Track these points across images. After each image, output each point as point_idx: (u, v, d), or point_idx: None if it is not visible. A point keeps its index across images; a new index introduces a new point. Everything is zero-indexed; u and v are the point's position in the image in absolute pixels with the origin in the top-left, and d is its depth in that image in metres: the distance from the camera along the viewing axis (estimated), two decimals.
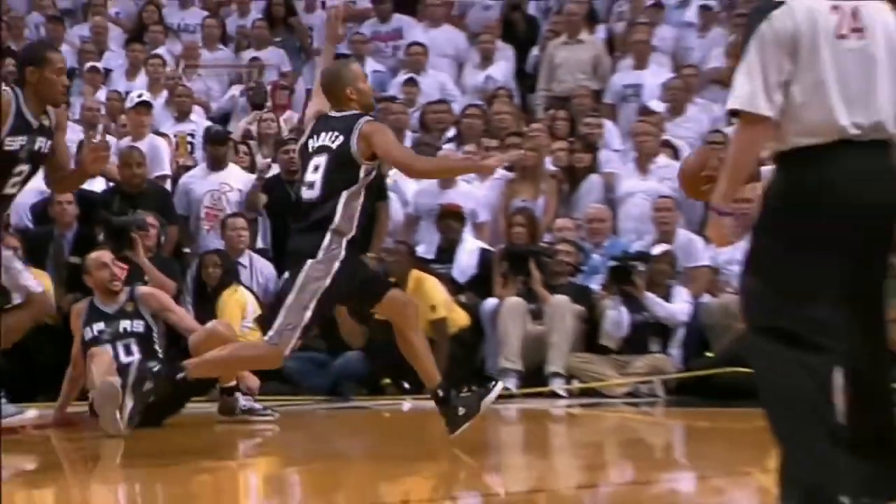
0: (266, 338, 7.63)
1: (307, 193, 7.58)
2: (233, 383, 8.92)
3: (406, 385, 10.93)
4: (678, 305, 10.86)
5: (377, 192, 12.03)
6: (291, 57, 15.55)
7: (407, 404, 10.59)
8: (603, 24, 15.52)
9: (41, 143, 7.86)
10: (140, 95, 13.28)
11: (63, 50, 15.16)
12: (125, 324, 8.94)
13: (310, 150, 7.66)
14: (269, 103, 14.26)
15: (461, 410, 7.57)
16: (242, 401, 8.95)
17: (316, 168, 7.55)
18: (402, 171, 8.84)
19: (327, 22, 9.25)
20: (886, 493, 4.87)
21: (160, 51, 14.89)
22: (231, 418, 8.87)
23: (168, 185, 12.48)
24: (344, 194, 7.42)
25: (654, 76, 13.90)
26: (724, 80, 12.14)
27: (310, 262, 7.33)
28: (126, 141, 12.71)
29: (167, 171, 12.71)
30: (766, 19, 4.80)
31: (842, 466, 4.70)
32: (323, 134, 7.66)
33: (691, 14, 14.91)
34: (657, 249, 11.14)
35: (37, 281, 8.33)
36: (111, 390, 7.84)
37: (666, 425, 9.43)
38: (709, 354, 10.68)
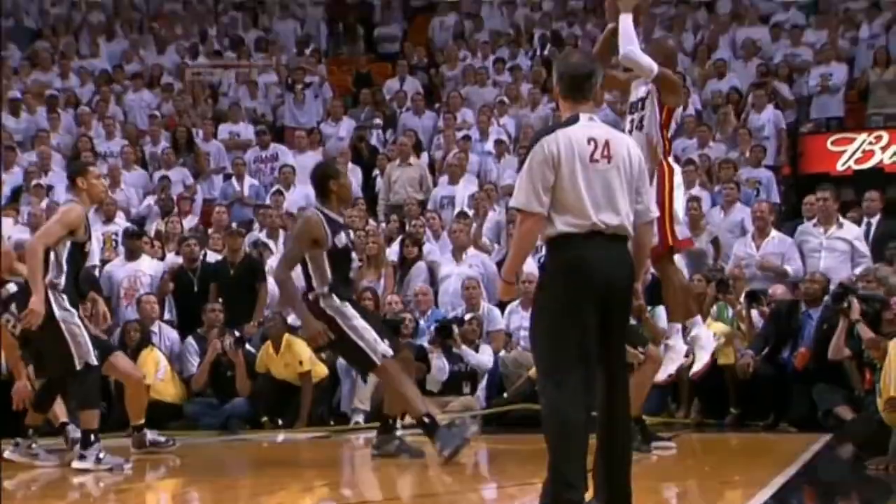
0: None
1: None
2: (141, 421, 8.58)
3: (280, 422, 10.87)
4: (484, 357, 10.93)
5: (258, 274, 12.09)
6: (192, 174, 15.42)
7: (280, 436, 10.45)
8: (426, 152, 15.69)
9: (351, 235, 8.02)
10: None
11: (14, 171, 14.98)
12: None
13: None
14: (175, 210, 14.12)
15: None
16: (150, 435, 8.68)
17: None
18: None
19: None
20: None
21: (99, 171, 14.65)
22: (142, 450, 8.60)
23: (96, 273, 12.26)
24: None
25: (464, 190, 14.06)
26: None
27: None
28: None
29: (96, 262, 12.49)
30: (539, 143, 4.96)
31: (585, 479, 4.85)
32: None
33: (490, 145, 15.11)
34: (468, 316, 11.21)
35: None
36: None
37: (474, 448, 9.41)
38: (505, 395, 10.76)
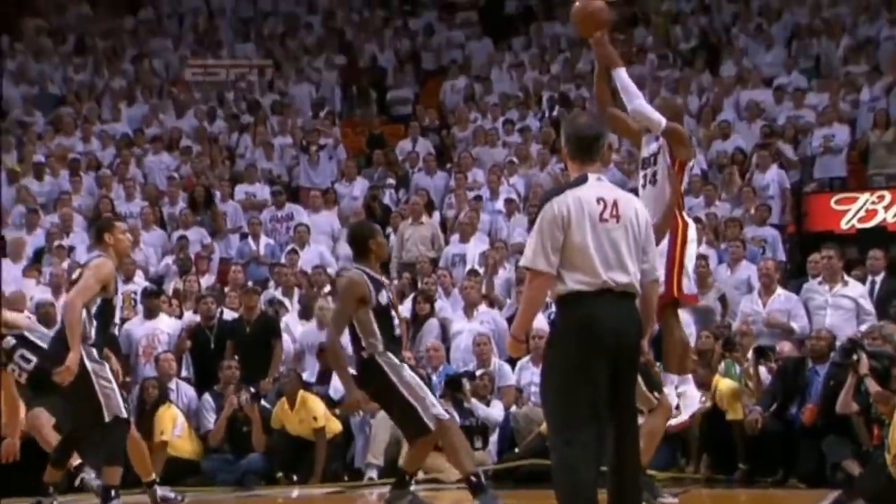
0: None
1: None
2: (151, 478, 8.48)
3: (294, 477, 10.79)
4: (494, 411, 10.85)
5: (273, 331, 12.04)
6: (209, 234, 15.46)
7: (295, 492, 10.38)
8: (438, 211, 15.71)
9: (391, 293, 7.71)
10: None
11: (37, 233, 15.04)
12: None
13: None
14: (193, 269, 14.13)
15: None
16: (160, 491, 8.52)
17: None
18: None
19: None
20: None
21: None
22: None
23: (115, 331, 12.23)
24: None
25: (475, 248, 14.05)
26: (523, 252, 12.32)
27: None
28: None
29: (116, 319, 12.46)
30: (549, 203, 4.96)
31: None
32: None
33: (500, 205, 15.13)
34: (479, 372, 11.15)
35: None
36: None
37: None
38: (516, 451, 10.67)
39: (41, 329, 8.46)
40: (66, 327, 7.59)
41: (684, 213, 7.35)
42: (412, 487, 8.00)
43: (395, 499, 7.81)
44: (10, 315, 8.49)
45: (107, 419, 7.57)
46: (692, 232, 7.35)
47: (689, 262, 7.33)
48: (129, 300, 13.23)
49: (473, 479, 7.41)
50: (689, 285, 7.35)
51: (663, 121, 7.04)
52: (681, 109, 8.06)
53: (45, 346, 8.15)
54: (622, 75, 7.01)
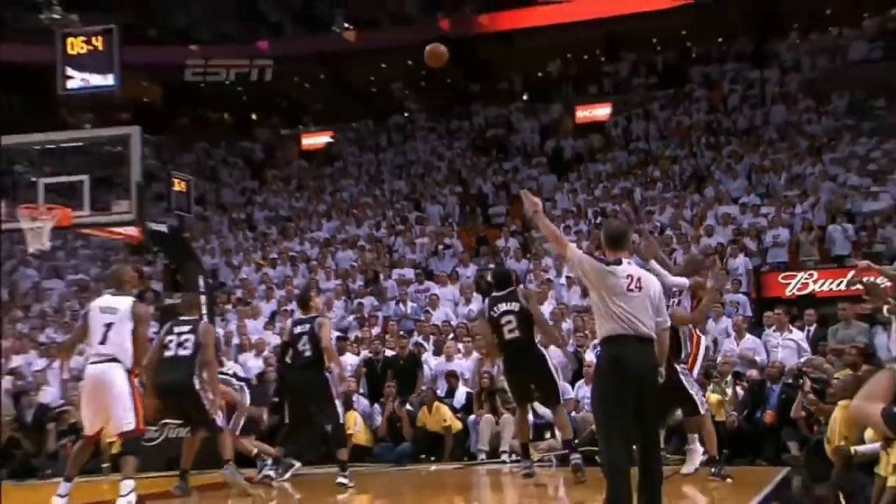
0: None
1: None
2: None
3: (432, 458, 10.81)
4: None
5: (417, 363, 12.11)
6: (377, 301, 15.60)
7: (432, 467, 10.40)
8: (521, 285, 15.13)
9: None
10: None
11: (272, 301, 15.37)
12: None
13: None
14: (366, 323, 14.36)
15: None
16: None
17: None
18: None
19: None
20: None
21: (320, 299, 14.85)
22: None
23: None
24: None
25: (547, 308, 13.47)
26: (580, 310, 12.28)
27: None
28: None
29: None
30: (604, 265, 4.97)
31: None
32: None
33: (563, 280, 14.95)
34: None
35: None
36: None
37: (555, 477, 9.25)
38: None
39: (227, 375, 8.98)
40: (316, 360, 8.00)
41: (697, 331, 7.49)
42: (508, 466, 8.01)
43: (527, 464, 7.94)
44: (225, 389, 8.51)
45: (342, 420, 8.11)
46: (703, 342, 7.61)
47: (699, 360, 7.45)
48: None
49: (567, 441, 7.68)
50: (697, 369, 7.47)
51: (687, 281, 7.19)
52: (700, 263, 8.06)
53: (236, 381, 8.79)
54: (655, 266, 7.17)
